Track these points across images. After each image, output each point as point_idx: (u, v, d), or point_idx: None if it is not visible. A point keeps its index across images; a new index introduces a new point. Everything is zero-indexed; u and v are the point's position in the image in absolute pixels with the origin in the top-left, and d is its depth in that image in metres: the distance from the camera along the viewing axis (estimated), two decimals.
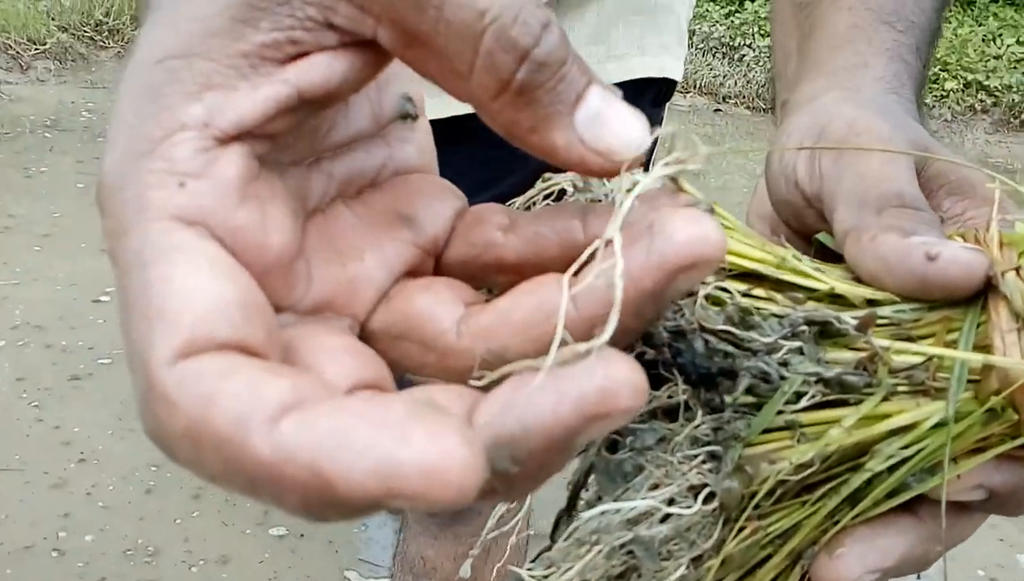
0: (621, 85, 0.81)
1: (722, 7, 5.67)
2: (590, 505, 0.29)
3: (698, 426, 0.28)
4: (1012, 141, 5.16)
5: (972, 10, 5.58)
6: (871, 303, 0.31)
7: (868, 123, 0.39)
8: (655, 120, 0.90)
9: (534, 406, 0.20)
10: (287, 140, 0.26)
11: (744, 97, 5.54)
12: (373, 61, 0.26)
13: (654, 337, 0.28)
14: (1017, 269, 0.30)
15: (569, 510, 0.30)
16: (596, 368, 0.20)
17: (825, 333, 0.29)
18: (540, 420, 0.20)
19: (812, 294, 0.31)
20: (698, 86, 5.64)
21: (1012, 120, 5.25)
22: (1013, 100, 5.19)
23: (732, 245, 0.31)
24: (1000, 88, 5.21)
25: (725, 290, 0.30)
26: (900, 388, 0.29)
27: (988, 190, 0.37)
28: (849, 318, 0.29)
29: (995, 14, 5.67)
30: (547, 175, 0.33)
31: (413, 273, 0.28)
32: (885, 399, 0.28)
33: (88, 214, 2.73)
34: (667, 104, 0.95)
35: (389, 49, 0.25)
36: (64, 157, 3.18)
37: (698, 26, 5.55)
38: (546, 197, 0.33)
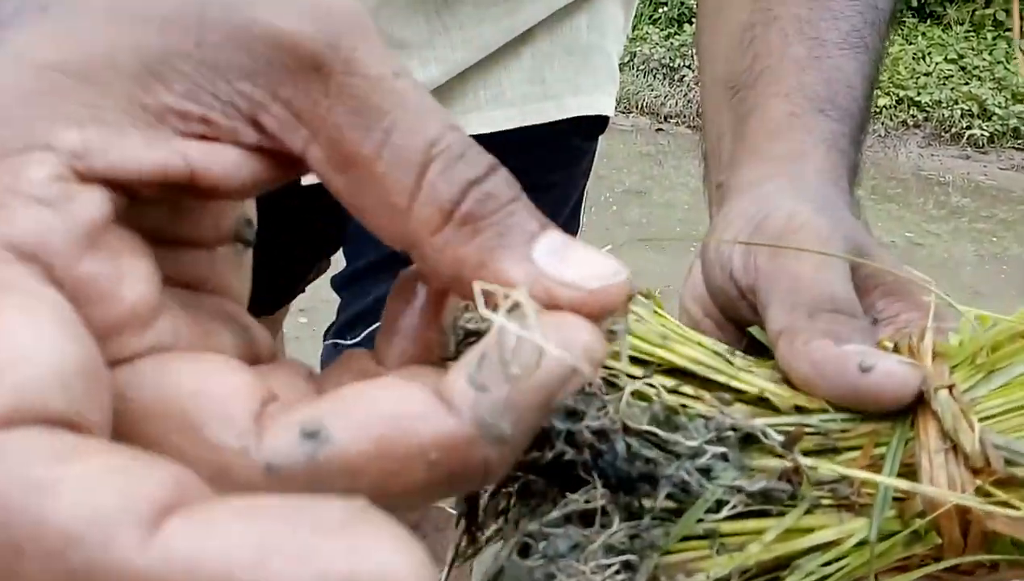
0: (557, 123, 0.83)
1: (662, 29, 5.76)
2: None
3: (614, 533, 0.27)
4: (943, 154, 5.31)
5: (902, 30, 5.75)
6: (799, 410, 0.31)
7: (806, 219, 0.39)
8: (588, 153, 0.92)
9: None
10: (145, 210, 0.22)
11: (685, 116, 5.63)
12: (284, 174, 0.23)
13: (576, 437, 0.28)
14: (950, 387, 0.29)
15: None
16: None
17: (750, 439, 0.29)
18: None
19: (741, 395, 0.31)
20: (640, 106, 5.71)
21: (943, 134, 5.41)
22: (943, 115, 5.35)
23: (665, 339, 0.31)
24: (931, 104, 5.37)
25: (653, 386, 0.29)
26: (823, 501, 0.28)
27: (922, 295, 0.36)
28: (775, 433, 0.29)
29: (923, 33, 5.85)
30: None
31: None
32: (808, 512, 0.28)
33: None
34: (599, 136, 0.97)
35: (316, 170, 0.22)
36: None
37: (639, 48, 5.63)
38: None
